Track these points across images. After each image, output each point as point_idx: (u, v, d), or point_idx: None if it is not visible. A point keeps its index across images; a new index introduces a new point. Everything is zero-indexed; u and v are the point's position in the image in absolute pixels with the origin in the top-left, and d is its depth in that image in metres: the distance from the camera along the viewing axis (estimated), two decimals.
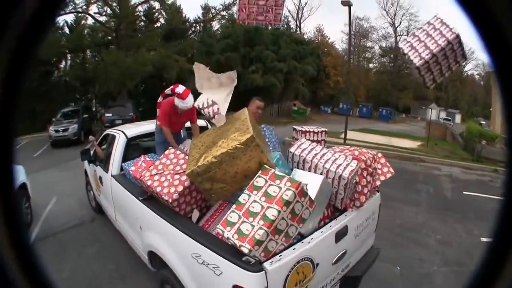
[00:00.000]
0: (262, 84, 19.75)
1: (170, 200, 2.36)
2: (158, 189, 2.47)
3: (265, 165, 2.11)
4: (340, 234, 2.27)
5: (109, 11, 17.42)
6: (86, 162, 4.89)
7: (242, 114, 2.60)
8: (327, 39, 37.49)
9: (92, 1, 16.88)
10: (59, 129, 12.39)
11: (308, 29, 46.07)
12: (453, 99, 38.65)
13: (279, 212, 1.79)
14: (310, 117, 24.71)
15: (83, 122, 13.18)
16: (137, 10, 18.08)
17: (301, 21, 38.19)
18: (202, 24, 23.90)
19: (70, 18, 21.49)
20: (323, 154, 2.41)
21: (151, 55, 14.99)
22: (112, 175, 3.61)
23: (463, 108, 37.67)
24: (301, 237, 2.08)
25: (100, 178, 4.08)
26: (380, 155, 2.72)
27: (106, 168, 3.83)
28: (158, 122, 3.52)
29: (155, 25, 20.74)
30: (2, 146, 0.60)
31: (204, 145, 2.44)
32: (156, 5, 19.47)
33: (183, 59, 17.78)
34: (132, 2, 17.48)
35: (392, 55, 36.90)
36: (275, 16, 20.91)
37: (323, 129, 3.14)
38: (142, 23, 20.56)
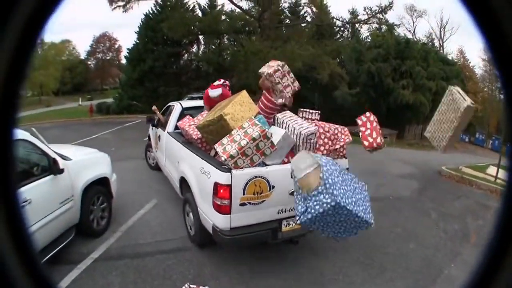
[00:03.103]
0: (411, 101, 19.74)
1: (196, 138, 4.03)
2: (191, 132, 4.16)
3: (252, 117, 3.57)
4: None
5: None
6: (150, 127, 6.97)
7: (235, 96, 4.08)
8: (468, 62, 36.12)
9: None
10: None
11: (450, 50, 44.99)
12: None
13: (247, 142, 3.25)
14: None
15: None
16: (282, 0, 17.36)
17: (444, 40, 37.55)
18: (350, 28, 23.33)
19: (203, 1, 22.58)
20: (296, 120, 3.75)
21: (301, 51, 13.93)
22: (167, 132, 5.48)
23: None
24: (266, 165, 3.47)
25: (159, 136, 6.05)
26: (346, 129, 3.91)
27: (164, 128, 5.74)
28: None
29: (302, 21, 20.27)
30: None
31: (210, 113, 4.07)
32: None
33: (334, 62, 16.96)
34: None
35: None
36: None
37: (317, 111, 4.40)
38: (287, 16, 20.09)
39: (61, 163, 3.51)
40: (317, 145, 3.69)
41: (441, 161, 10.11)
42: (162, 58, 21.37)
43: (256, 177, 3.33)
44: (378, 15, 16.85)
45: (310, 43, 15.58)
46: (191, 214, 4.09)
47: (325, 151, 3.73)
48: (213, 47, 21.80)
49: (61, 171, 3.42)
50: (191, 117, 4.78)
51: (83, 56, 50.22)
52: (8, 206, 0.62)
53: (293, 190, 3.55)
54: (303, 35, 16.86)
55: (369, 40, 23.36)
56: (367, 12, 17.19)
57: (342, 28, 23.18)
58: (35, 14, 0.58)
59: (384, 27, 20.61)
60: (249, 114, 3.77)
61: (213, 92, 4.92)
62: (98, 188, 4.23)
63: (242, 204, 3.30)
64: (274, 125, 3.95)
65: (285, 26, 18.55)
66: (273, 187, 3.43)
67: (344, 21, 18.25)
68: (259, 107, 4.22)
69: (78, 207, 3.79)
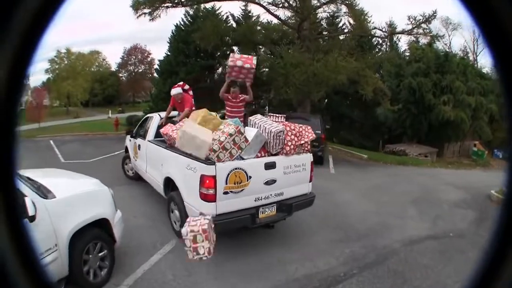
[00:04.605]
0: (452, 117, 19.46)
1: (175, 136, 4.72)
2: (174, 136, 4.83)
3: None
4: (269, 165, 4.35)
5: (286, 4, 15.63)
6: (127, 139, 7.49)
7: (197, 116, 4.76)
8: None
9: None
10: None
11: (484, 63, 45.97)
12: None
13: (225, 138, 3.99)
14: (488, 161, 21.09)
15: None
16: (321, 10, 16.34)
17: (477, 54, 37.23)
18: (388, 41, 22.34)
19: (237, 11, 22.14)
20: (266, 121, 4.55)
21: (345, 63, 13.20)
22: (148, 140, 6.06)
23: None
24: (243, 159, 4.20)
25: (139, 145, 6.60)
26: (309, 128, 4.77)
27: (144, 137, 6.31)
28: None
29: (342, 32, 19.47)
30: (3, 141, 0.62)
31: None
32: (343, 9, 17.18)
33: (377, 76, 16.08)
34: (315, 1, 15.67)
35: None
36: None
37: (283, 115, 5.24)
38: (325, 28, 19.42)
39: (31, 207, 2.63)
40: (285, 141, 4.49)
41: (485, 182, 9.95)
42: (195, 71, 20.65)
43: (236, 168, 4.05)
44: (422, 25, 15.52)
45: (352, 55, 14.51)
46: (176, 211, 4.70)
47: (292, 146, 4.53)
48: None
49: (31, 218, 2.62)
50: (172, 124, 5.44)
51: (114, 68, 48.88)
52: (8, 207, 0.63)
53: (267, 179, 4.33)
54: (344, 47, 15.89)
55: (407, 53, 23.16)
56: (411, 22, 15.67)
57: (381, 41, 22.21)
58: (37, 14, 0.59)
59: (422, 40, 19.67)
60: (213, 128, 4.50)
61: (173, 91, 6.15)
62: (95, 232, 3.48)
63: (225, 193, 4.00)
64: (247, 126, 4.73)
65: (325, 37, 17.74)
66: (250, 177, 4.17)
67: (387, 31, 16.94)
68: (227, 112, 5.42)
69: (66, 258, 3.10)
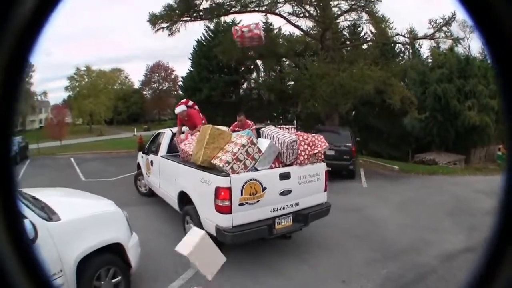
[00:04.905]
0: (478, 122, 19.23)
1: (190, 152, 4.76)
2: (187, 149, 4.87)
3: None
4: (283, 176, 4.34)
5: (307, 13, 15.35)
6: (139, 156, 7.59)
7: (203, 136, 4.54)
8: None
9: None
10: None
11: None
12: None
13: (238, 149, 4.02)
14: None
15: None
16: (342, 18, 16.24)
17: None
18: (410, 48, 21.60)
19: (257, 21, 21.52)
20: (279, 132, 4.58)
21: (371, 73, 12.96)
22: (161, 156, 6.13)
23: None
24: (257, 170, 4.21)
25: (151, 161, 6.67)
26: (322, 137, 4.77)
27: (156, 153, 6.38)
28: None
29: (365, 40, 19.23)
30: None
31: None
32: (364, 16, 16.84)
33: (402, 84, 15.68)
34: (335, 10, 15.47)
35: None
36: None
37: (293, 126, 5.28)
38: (347, 38, 19.37)
39: (30, 230, 2.42)
40: (299, 151, 4.49)
41: None
42: (219, 87, 20.67)
43: (250, 180, 4.06)
44: (443, 28, 15.18)
45: (377, 64, 14.20)
46: (191, 225, 4.69)
47: (306, 156, 4.54)
48: (274, 74, 20.55)
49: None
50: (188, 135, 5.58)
51: (137, 85, 49.55)
52: (7, 208, 0.64)
53: (283, 190, 4.31)
54: (368, 56, 15.61)
55: (430, 60, 22.94)
56: (432, 26, 15.32)
57: (403, 49, 22.00)
58: (34, 16, 0.59)
59: (442, 46, 19.08)
60: (224, 142, 4.47)
61: (177, 109, 6.08)
62: (107, 258, 3.23)
63: (241, 204, 4.00)
64: (260, 137, 4.75)
65: (348, 47, 17.50)
66: (265, 188, 4.17)
67: (410, 37, 16.50)
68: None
69: (73, 284, 2.89)
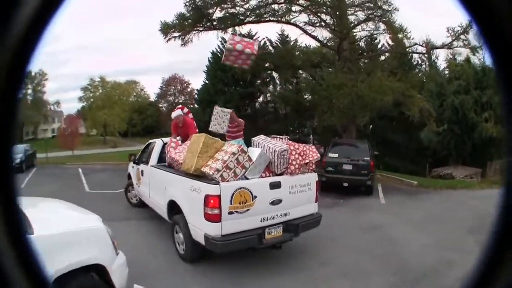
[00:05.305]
0: (495, 134, 18.65)
1: (181, 160, 4.73)
2: (177, 157, 4.86)
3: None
4: (274, 185, 4.34)
5: (323, 23, 15.07)
6: (129, 167, 7.56)
7: (196, 145, 4.53)
8: None
9: (293, 9, 14.26)
10: None
11: None
12: None
13: (229, 157, 4.03)
14: None
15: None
16: (359, 28, 15.95)
17: None
18: (426, 59, 20.85)
19: (274, 37, 21.15)
20: (270, 141, 4.61)
21: (391, 83, 12.57)
22: (151, 165, 6.10)
23: None
24: (247, 179, 4.21)
25: (142, 171, 6.63)
26: (313, 147, 4.81)
27: (147, 163, 6.35)
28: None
29: (383, 51, 18.93)
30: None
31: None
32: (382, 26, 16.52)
33: (420, 96, 15.27)
34: (352, 18, 15.21)
35: None
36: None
37: (286, 137, 5.30)
38: (364, 50, 18.89)
39: None
40: (290, 160, 4.51)
41: None
42: (234, 99, 20.28)
43: (240, 188, 4.06)
44: (461, 36, 14.79)
45: (395, 75, 13.87)
46: (180, 235, 4.64)
47: (297, 165, 4.55)
48: (290, 87, 20.29)
49: None
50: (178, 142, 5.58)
51: (153, 98, 49.11)
52: (6, 207, 0.64)
53: (273, 199, 4.31)
54: (386, 67, 15.24)
55: (447, 71, 23.30)
56: (450, 34, 15.00)
57: (420, 60, 21.51)
58: (37, 15, 0.59)
59: (458, 57, 19.63)
60: (215, 151, 4.49)
61: (173, 114, 6.18)
62: (85, 281, 2.81)
63: (230, 213, 3.97)
64: (251, 146, 4.77)
65: (366, 58, 17.19)
66: (255, 197, 4.16)
67: (427, 47, 15.99)
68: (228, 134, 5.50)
69: None
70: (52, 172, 15.61)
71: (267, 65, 16.89)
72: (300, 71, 18.36)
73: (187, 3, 13.17)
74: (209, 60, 22.73)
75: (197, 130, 6.15)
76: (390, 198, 9.85)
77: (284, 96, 19.46)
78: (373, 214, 7.75)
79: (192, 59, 62.66)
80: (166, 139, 6.66)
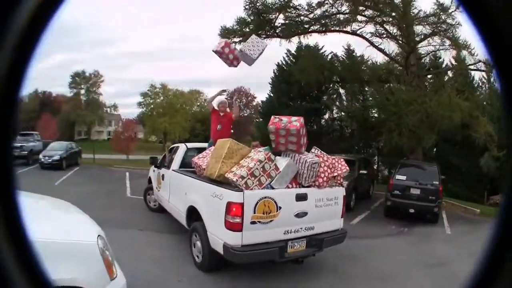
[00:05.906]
0: None
1: (204, 166, 4.63)
2: (200, 163, 4.76)
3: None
4: (300, 197, 4.14)
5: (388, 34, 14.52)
6: (151, 170, 7.53)
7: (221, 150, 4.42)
8: None
9: (358, 18, 13.83)
10: None
11: None
12: None
13: (254, 164, 3.87)
14: None
15: (356, 180, 10.47)
16: (425, 43, 14.96)
17: None
18: (486, 79, 19.26)
19: (340, 51, 20.27)
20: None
21: (460, 100, 11.99)
22: (173, 170, 6.03)
23: None
24: (273, 188, 4.03)
25: (163, 175, 6.58)
26: (342, 160, 4.58)
27: (168, 167, 6.29)
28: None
29: (450, 67, 18.08)
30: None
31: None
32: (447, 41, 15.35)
33: (484, 118, 14.31)
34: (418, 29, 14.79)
35: None
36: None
37: (316, 148, 5.10)
38: (429, 68, 18.05)
39: None
40: (318, 172, 4.30)
41: None
42: (299, 114, 19.92)
43: (265, 197, 3.88)
44: None
45: (463, 93, 13.25)
46: (198, 243, 4.47)
47: (325, 178, 4.34)
48: (357, 104, 19.66)
49: None
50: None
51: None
52: (6, 206, 0.64)
53: (298, 211, 4.09)
54: (453, 84, 14.73)
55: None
56: None
57: (480, 82, 20.27)
58: (36, 15, 0.59)
59: None
60: (241, 157, 4.34)
61: (215, 100, 6.15)
62: None
63: (253, 222, 3.78)
64: (280, 156, 4.60)
65: (432, 73, 16.55)
66: (280, 207, 3.96)
67: (487, 67, 14.69)
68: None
69: None
70: (94, 173, 15.54)
71: (334, 77, 16.67)
72: (367, 88, 18.00)
73: (247, 7, 12.81)
74: (274, 73, 22.42)
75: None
76: (455, 227, 9.02)
77: (351, 111, 19.06)
78: (438, 245, 7.08)
79: (253, 74, 60.64)
80: (189, 144, 6.61)
